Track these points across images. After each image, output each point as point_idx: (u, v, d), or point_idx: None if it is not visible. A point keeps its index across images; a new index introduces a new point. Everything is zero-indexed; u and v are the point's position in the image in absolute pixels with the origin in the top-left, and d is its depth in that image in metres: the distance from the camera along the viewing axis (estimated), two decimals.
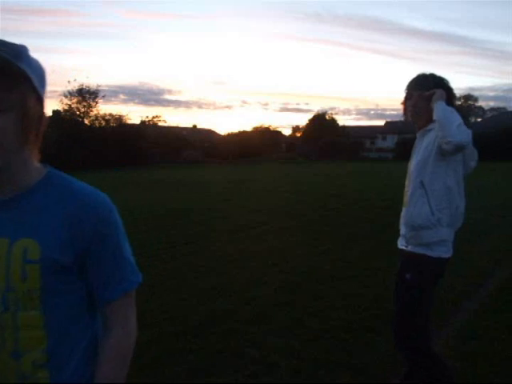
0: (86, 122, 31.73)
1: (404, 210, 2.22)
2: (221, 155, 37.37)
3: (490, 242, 6.25)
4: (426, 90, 2.15)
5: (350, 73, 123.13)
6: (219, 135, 53.15)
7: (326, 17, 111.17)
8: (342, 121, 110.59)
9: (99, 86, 31.79)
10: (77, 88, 30.51)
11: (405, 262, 2.17)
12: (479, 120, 60.40)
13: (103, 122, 32.56)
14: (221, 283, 4.46)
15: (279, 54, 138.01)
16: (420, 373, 2.22)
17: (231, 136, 46.49)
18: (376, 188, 13.76)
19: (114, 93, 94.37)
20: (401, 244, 2.24)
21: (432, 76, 2.22)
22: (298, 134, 58.17)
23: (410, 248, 2.15)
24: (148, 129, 38.14)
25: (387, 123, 58.07)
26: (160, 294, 4.19)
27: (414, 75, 2.27)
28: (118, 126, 32.95)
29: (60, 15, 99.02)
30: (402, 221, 2.24)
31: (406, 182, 2.24)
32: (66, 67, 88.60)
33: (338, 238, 6.59)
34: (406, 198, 2.21)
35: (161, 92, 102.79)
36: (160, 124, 43.07)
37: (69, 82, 30.90)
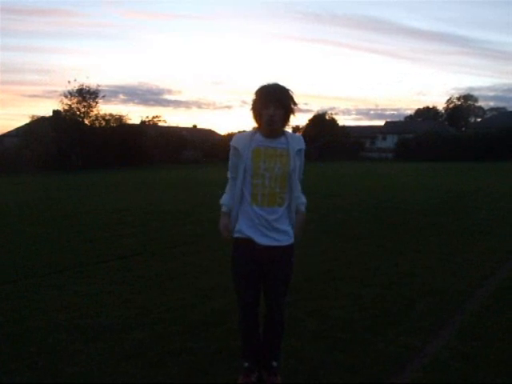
0: (87, 122, 31.69)
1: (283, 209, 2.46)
2: (221, 155, 37.35)
3: (490, 242, 6.25)
4: (282, 104, 2.35)
5: (349, 73, 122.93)
6: (219, 135, 53.10)
7: (325, 17, 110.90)
8: (342, 121, 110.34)
9: (99, 86, 31.69)
10: (77, 88, 30.40)
11: (287, 250, 2.51)
12: (479, 120, 60.43)
13: (103, 122, 32.52)
14: (220, 283, 4.46)
15: (278, 54, 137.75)
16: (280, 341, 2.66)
17: (231, 136, 46.28)
18: (376, 188, 13.77)
19: (114, 93, 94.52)
20: (282, 241, 2.47)
21: (284, 88, 2.39)
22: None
23: (289, 241, 2.50)
24: (148, 129, 38.13)
25: (387, 123, 58.12)
26: (160, 294, 4.19)
27: (262, 84, 2.40)
28: (118, 126, 32.92)
29: (60, 15, 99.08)
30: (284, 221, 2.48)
31: (272, 184, 2.42)
32: (66, 67, 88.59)
33: (338, 238, 6.60)
34: (278, 200, 2.43)
35: (160, 92, 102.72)
36: (160, 124, 43.12)
37: (69, 82, 30.75)
